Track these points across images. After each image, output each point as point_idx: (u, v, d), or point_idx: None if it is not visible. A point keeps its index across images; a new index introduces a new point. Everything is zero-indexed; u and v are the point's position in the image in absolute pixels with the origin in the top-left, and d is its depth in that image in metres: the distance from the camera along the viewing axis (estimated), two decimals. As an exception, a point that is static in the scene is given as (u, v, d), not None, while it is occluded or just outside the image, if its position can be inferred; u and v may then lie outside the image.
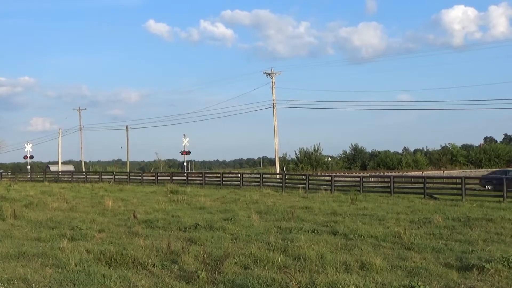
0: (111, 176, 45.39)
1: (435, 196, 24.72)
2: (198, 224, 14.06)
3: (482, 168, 72.95)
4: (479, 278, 8.39)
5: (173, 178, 41.34)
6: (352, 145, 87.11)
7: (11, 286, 8.03)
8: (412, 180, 33.82)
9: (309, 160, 72.69)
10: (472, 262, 9.13)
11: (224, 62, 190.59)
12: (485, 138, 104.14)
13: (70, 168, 75.16)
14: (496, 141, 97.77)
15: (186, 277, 8.42)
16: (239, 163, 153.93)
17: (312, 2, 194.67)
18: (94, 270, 8.72)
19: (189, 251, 10.18)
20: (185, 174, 43.81)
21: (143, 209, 19.32)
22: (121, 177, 46.18)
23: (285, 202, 22.45)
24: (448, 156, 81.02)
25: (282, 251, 10.36)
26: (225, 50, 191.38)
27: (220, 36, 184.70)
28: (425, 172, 63.59)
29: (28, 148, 65.85)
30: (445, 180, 33.19)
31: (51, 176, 53.50)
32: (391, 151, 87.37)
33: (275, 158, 53.66)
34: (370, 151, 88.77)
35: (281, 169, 56.03)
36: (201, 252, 9.14)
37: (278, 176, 39.46)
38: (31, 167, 66.43)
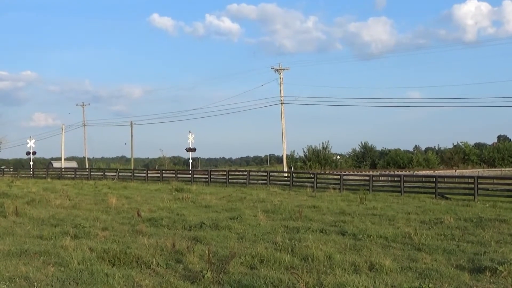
0: (115, 173, 45.16)
1: (446, 196, 24.41)
2: (204, 223, 13.92)
3: (495, 167, 72.54)
4: (491, 280, 8.25)
5: (178, 175, 41.07)
6: (361, 143, 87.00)
7: (13, 284, 7.94)
8: (423, 180, 33.52)
9: (318, 158, 72.45)
10: (484, 264, 8.98)
11: (230, 57, 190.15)
12: (499, 137, 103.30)
13: (73, 164, 74.93)
14: (510, 139, 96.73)
15: (191, 277, 8.31)
16: (246, 161, 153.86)
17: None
18: (97, 269, 8.63)
19: (194, 250, 10.07)
20: (190, 172, 43.59)
21: (147, 207, 19.16)
22: (125, 174, 45.96)
23: (293, 201, 22.28)
24: (460, 155, 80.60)
25: (289, 251, 10.25)
26: (231, 45, 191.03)
27: (226, 30, 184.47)
28: (436, 171, 63.29)
29: (31, 144, 65.74)
30: (457, 180, 32.78)
31: (53, 172, 53.36)
32: (402, 150, 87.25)
33: (282, 156, 53.54)
34: (380, 150, 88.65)
35: (289, 167, 55.82)
36: (207, 252, 9.03)
37: (285, 175, 39.24)
38: (33, 163, 66.39)
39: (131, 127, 70.39)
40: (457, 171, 65.09)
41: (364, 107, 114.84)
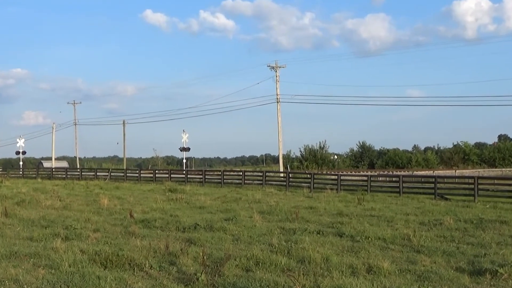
0: (107, 173, 44.72)
1: (446, 196, 24.30)
2: (198, 224, 13.81)
3: (496, 167, 72.36)
4: (492, 283, 8.19)
5: (172, 175, 40.63)
6: (359, 143, 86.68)
7: (2, 287, 7.85)
8: (422, 180, 33.34)
9: (314, 158, 72.27)
10: (484, 266, 8.91)
11: (225, 54, 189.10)
12: (499, 136, 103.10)
13: (64, 164, 74.32)
14: (511, 139, 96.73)
15: (185, 279, 8.22)
16: (241, 161, 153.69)
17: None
18: (88, 272, 8.51)
19: (188, 252, 9.98)
20: (184, 172, 43.21)
21: (140, 208, 19.01)
22: (118, 174, 45.47)
23: (289, 201, 22.14)
24: (460, 154, 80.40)
25: (285, 253, 10.17)
26: (226, 42, 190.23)
27: (220, 27, 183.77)
28: (436, 171, 63.03)
29: (21, 143, 64.88)
30: (457, 180, 32.69)
31: (44, 172, 52.86)
32: (401, 149, 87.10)
33: (278, 155, 53.45)
34: (378, 149, 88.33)
35: (285, 167, 55.68)
36: (201, 254, 8.90)
37: (281, 175, 39.13)
38: (23, 163, 65.48)
39: (124, 126, 69.70)
40: (457, 171, 64.92)
41: (362, 106, 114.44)
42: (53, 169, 54.56)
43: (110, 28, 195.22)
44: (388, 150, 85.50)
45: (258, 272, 8.70)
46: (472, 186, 24.37)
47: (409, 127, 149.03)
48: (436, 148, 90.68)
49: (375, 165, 79.77)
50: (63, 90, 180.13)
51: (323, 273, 8.64)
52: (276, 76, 51.30)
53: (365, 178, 32.21)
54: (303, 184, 31.41)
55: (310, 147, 74.51)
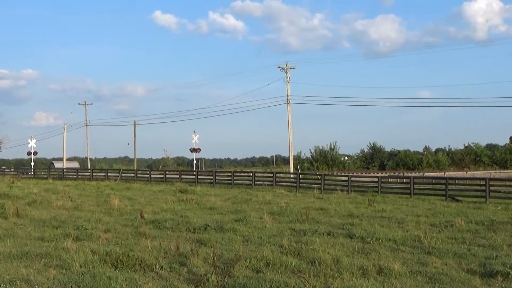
0: (118, 174, 44.85)
1: (457, 198, 24.08)
2: (208, 225, 13.76)
3: (507, 169, 71.59)
4: (503, 285, 8.13)
5: (182, 176, 40.76)
6: (370, 144, 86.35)
7: (13, 287, 7.89)
8: (433, 181, 33.02)
9: (325, 159, 72.00)
10: (496, 268, 8.83)
11: (234, 55, 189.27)
12: (511, 138, 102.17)
13: (75, 165, 74.00)
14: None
15: (195, 280, 8.21)
16: (251, 162, 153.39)
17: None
18: (99, 272, 8.54)
19: (198, 253, 9.97)
20: (194, 173, 43.22)
21: (150, 208, 19.02)
22: (128, 175, 45.64)
23: (299, 203, 22.06)
24: (471, 156, 79.65)
25: (295, 254, 10.13)
26: (236, 43, 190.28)
27: (230, 28, 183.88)
28: (447, 172, 62.48)
29: (32, 143, 64.78)
30: (468, 182, 32.35)
31: (55, 173, 52.94)
32: (411, 151, 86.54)
33: (289, 156, 53.15)
34: (389, 150, 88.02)
35: (295, 168, 55.47)
36: (211, 255, 8.93)
37: (292, 176, 39.00)
38: (34, 163, 65.68)
39: (134, 127, 69.66)
40: (468, 172, 64.33)
41: (372, 107, 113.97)
42: (64, 170, 54.55)
43: (120, 29, 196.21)
44: (398, 151, 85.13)
45: (268, 273, 8.67)
46: (484, 187, 24.08)
47: (419, 128, 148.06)
48: (447, 149, 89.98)
49: (386, 166, 79.39)
50: (74, 90, 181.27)
51: (334, 274, 8.58)
52: (287, 77, 50.93)
53: (375, 179, 31.97)
54: (314, 185, 31.32)
55: (321, 148, 74.28)
